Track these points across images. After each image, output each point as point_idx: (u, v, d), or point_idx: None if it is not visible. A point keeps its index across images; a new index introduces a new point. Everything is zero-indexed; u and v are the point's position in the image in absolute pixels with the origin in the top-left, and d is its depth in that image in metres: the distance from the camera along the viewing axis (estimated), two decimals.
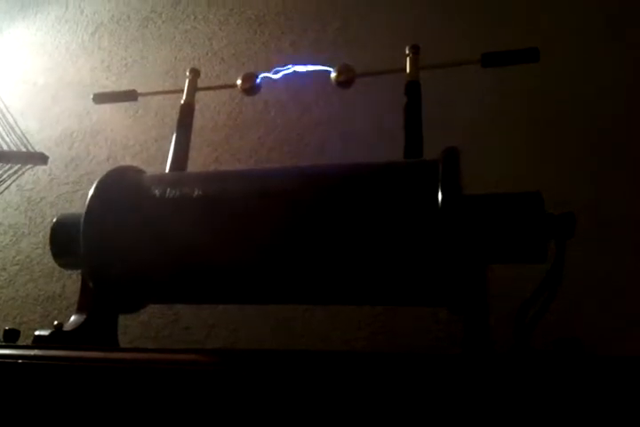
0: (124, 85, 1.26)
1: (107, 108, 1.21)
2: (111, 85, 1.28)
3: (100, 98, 0.91)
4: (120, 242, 0.67)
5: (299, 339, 0.90)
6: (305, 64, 0.82)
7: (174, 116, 0.84)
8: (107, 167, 1.17)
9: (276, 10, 1.19)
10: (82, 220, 0.67)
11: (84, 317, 0.69)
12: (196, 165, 0.89)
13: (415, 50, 0.75)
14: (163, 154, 0.99)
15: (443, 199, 0.57)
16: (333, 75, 0.78)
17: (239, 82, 0.83)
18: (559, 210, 0.58)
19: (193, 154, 0.82)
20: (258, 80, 0.83)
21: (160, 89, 1.20)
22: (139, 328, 0.95)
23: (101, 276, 0.67)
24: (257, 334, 0.91)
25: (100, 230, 0.66)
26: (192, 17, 1.28)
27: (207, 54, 1.22)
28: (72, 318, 0.69)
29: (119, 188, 0.69)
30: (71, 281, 1.06)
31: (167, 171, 0.79)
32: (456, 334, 0.71)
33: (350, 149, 0.97)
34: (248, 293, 0.68)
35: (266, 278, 0.65)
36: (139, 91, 0.89)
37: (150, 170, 0.77)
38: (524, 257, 0.59)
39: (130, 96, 0.90)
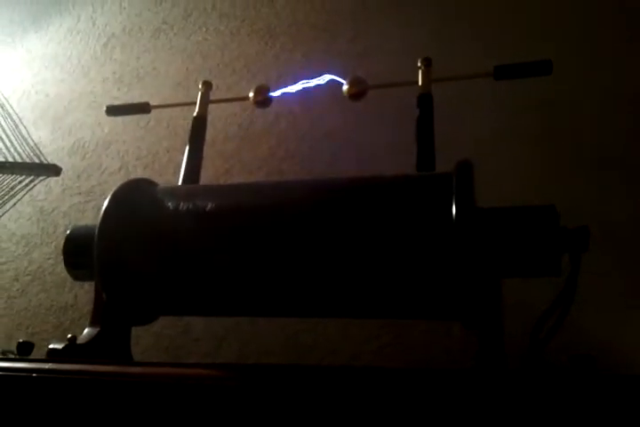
0: (136, 97, 1.27)
1: (118, 120, 1.22)
2: (123, 97, 1.29)
3: (113, 110, 0.92)
4: (133, 255, 0.67)
5: (309, 352, 0.89)
6: (316, 76, 0.82)
7: (186, 127, 0.84)
8: (119, 178, 1.19)
9: (287, 21, 1.20)
10: (96, 232, 0.67)
11: (98, 329, 0.69)
12: (207, 176, 0.89)
13: (427, 62, 0.75)
14: (174, 165, 1.00)
15: (457, 212, 0.56)
16: (345, 87, 0.78)
17: (251, 94, 0.84)
18: (570, 224, 0.58)
19: (204, 165, 0.82)
20: (270, 93, 0.83)
21: (172, 100, 1.21)
22: (150, 339, 0.95)
23: (115, 288, 0.68)
24: (267, 347, 0.91)
25: (114, 243, 0.67)
26: (203, 28, 1.29)
27: (218, 66, 1.23)
28: (85, 330, 0.69)
29: (133, 200, 0.70)
30: (83, 291, 1.06)
31: (180, 183, 0.79)
32: (468, 347, 0.70)
33: (362, 161, 0.97)
34: (260, 305, 0.68)
35: (278, 291, 0.65)
36: (150, 102, 0.89)
37: (162, 180, 0.77)
38: (538, 271, 0.59)
39: (143, 109, 0.91)
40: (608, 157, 0.88)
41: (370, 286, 0.61)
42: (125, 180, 0.74)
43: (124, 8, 1.41)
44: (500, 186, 0.79)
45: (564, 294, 0.57)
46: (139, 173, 1.14)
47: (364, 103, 0.80)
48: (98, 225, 0.67)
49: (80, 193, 1.21)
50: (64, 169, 1.10)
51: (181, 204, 0.68)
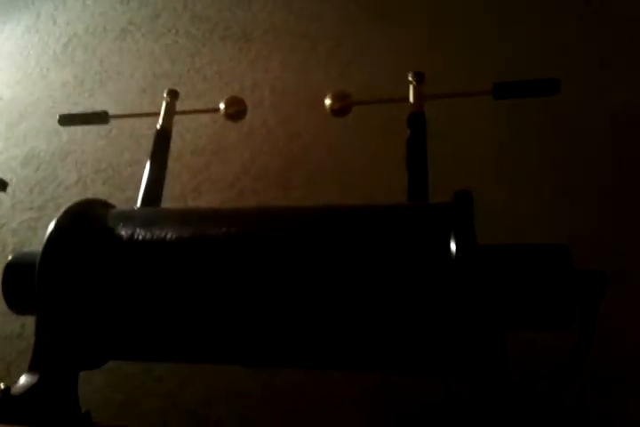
0: (98, 102, 1.18)
1: (78, 128, 1.12)
2: (84, 102, 1.20)
3: (67, 120, 0.83)
4: (79, 291, 0.58)
5: (278, 390, 0.80)
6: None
7: (151, 137, 0.77)
8: (75, 193, 1.09)
9: (263, 26, 1.12)
10: (37, 266, 0.58)
11: (37, 377, 0.60)
12: (172, 193, 0.81)
13: (419, 77, 0.68)
14: (137, 179, 0.91)
15: (457, 251, 0.49)
16: (328, 102, 0.71)
17: (222, 106, 0.76)
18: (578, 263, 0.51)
19: (169, 181, 0.75)
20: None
21: (136, 107, 1.13)
22: (103, 377, 0.85)
23: (58, 328, 0.59)
24: (236, 388, 0.82)
25: (58, 277, 0.58)
26: (173, 31, 1.21)
27: (188, 71, 1.14)
28: (22, 378, 0.60)
29: (82, 228, 0.61)
30: (31, 321, 0.95)
31: (139, 205, 0.71)
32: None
33: (342, 181, 0.89)
34: (225, 353, 0.59)
35: (248, 337, 0.56)
36: (114, 108, 0.83)
37: (122, 197, 0.69)
38: (547, 322, 0.51)
39: (101, 118, 0.81)
40: (612, 184, 0.81)
41: (351, 334, 0.53)
42: (82, 195, 0.68)
43: (88, 6, 1.32)
44: (501, 218, 0.72)
45: (577, 350, 0.50)
46: (97, 188, 1.05)
47: (347, 117, 0.72)
48: (40, 256, 0.59)
49: (32, 208, 1.10)
50: (16, 181, 1.01)
51: (137, 232, 0.59)
